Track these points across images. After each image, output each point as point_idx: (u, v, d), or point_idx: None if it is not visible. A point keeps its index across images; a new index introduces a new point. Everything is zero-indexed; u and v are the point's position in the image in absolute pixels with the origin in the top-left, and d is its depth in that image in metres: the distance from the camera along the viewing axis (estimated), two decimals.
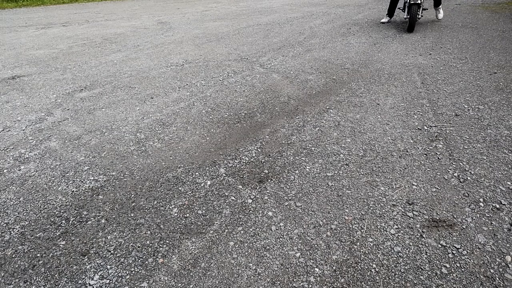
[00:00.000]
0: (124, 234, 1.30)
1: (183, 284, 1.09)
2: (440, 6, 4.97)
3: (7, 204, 1.50)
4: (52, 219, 1.39)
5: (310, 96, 2.55)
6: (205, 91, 2.74)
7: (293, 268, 1.13)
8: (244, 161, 1.75)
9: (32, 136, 2.09)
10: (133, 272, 1.14)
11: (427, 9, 4.76)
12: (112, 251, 1.23)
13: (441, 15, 5.04)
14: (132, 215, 1.40)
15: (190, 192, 1.53)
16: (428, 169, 1.62)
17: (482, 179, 1.53)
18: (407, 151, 1.78)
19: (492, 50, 3.51)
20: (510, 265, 1.11)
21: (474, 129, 1.97)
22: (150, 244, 1.25)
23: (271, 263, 1.16)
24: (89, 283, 1.10)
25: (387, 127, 2.04)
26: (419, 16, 4.48)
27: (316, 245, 1.22)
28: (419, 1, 4.17)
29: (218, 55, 3.79)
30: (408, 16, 4.36)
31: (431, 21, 5.25)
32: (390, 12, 5.03)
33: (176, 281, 1.10)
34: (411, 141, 1.87)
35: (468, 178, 1.55)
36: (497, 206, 1.37)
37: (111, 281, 1.11)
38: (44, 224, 1.37)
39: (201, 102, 2.52)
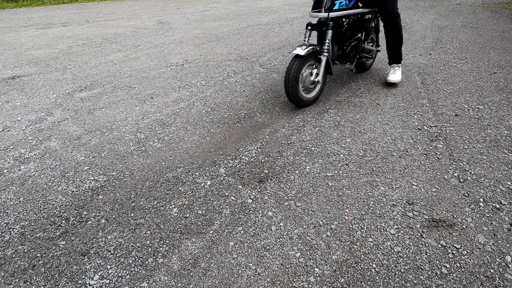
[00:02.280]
0: (124, 234, 1.30)
1: (183, 284, 1.09)
2: (399, 65, 2.68)
3: (7, 204, 1.50)
4: (52, 219, 1.39)
5: None
6: (205, 91, 2.74)
7: (293, 268, 1.13)
8: (244, 161, 1.75)
9: (32, 136, 2.09)
10: (133, 272, 1.14)
11: (378, 51, 2.93)
12: (112, 251, 1.23)
13: (396, 76, 2.63)
14: (132, 215, 1.40)
15: (190, 192, 1.53)
16: (428, 169, 1.62)
17: (482, 179, 1.53)
18: (407, 151, 1.78)
19: (492, 50, 3.51)
20: (510, 265, 1.11)
21: (474, 129, 1.97)
22: (150, 244, 1.25)
23: (271, 263, 1.16)
24: (89, 283, 1.10)
25: (387, 127, 2.04)
26: (316, 79, 2.20)
27: (316, 245, 1.22)
28: (303, 52, 2.01)
29: (218, 55, 3.79)
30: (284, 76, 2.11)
31: (431, 21, 5.25)
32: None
33: (176, 281, 1.10)
34: (411, 141, 1.87)
35: (468, 178, 1.55)
36: (497, 206, 1.37)
37: (111, 281, 1.11)
38: (44, 224, 1.37)
39: (201, 102, 2.52)
